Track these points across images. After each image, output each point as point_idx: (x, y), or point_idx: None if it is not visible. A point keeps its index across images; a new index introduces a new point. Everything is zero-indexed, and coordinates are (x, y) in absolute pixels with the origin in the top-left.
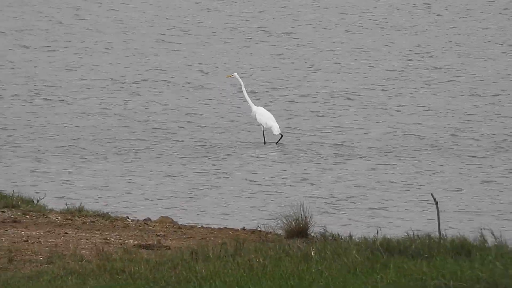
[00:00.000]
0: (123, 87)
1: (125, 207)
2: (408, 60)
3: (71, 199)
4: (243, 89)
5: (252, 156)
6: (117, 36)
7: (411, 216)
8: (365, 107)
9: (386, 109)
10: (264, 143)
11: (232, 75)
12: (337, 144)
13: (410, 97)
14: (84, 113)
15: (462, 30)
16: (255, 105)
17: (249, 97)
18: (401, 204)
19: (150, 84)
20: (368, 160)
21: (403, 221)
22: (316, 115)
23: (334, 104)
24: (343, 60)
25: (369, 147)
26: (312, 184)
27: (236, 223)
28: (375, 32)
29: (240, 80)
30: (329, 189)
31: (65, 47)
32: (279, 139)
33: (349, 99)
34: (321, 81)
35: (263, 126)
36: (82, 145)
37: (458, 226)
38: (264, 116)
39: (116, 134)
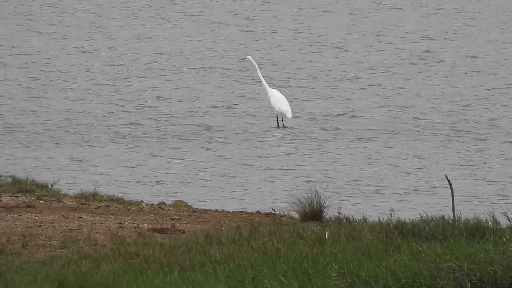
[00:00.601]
0: (126, 72)
1: (138, 192)
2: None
3: (82, 183)
4: (258, 72)
5: (264, 140)
6: (116, 21)
7: (425, 199)
8: (365, 89)
9: (385, 92)
10: (278, 126)
11: (246, 58)
12: (344, 128)
13: (408, 80)
14: (83, 98)
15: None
16: (270, 88)
17: (264, 80)
18: (414, 186)
19: (152, 68)
20: (378, 143)
21: (417, 203)
22: (316, 98)
23: (332, 87)
24: (336, 43)
25: (377, 130)
26: (325, 167)
27: (250, 207)
28: (371, 15)
29: (255, 63)
30: (342, 173)
31: (48, 32)
32: (282, 126)
33: (349, 81)
34: (316, 64)
35: (276, 110)
36: (86, 131)
37: (472, 208)
38: (278, 100)
39: (118, 120)
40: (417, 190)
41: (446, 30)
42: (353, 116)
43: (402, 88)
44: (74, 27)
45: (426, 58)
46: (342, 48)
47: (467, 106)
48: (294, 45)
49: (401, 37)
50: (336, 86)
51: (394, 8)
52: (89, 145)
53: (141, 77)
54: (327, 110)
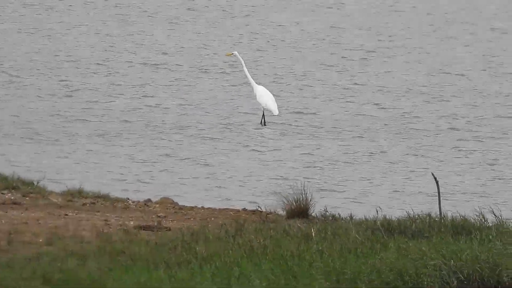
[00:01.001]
0: (95, 68)
1: (124, 189)
2: (377, 40)
3: (66, 180)
4: (244, 67)
5: (251, 137)
6: (82, 17)
7: (411, 196)
8: (334, 88)
9: (352, 89)
10: (264, 123)
11: (233, 53)
12: (319, 126)
13: (371, 76)
14: (54, 95)
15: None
16: (256, 84)
17: (250, 75)
18: (400, 184)
19: (120, 65)
20: (358, 140)
21: (404, 201)
22: (287, 95)
23: (299, 86)
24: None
25: (352, 128)
26: (311, 164)
27: (237, 204)
28: (340, 12)
29: (241, 58)
30: (327, 170)
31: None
32: (263, 123)
33: (320, 80)
34: (279, 62)
35: (262, 106)
36: (63, 128)
37: (459, 205)
38: (264, 96)
39: (99, 118)
40: (403, 187)
41: (401, 27)
42: (327, 114)
43: (364, 85)
44: (32, 23)
45: (389, 54)
46: (299, 46)
47: (427, 102)
48: (258, 43)
49: (357, 35)
50: (304, 84)
51: (355, 5)
52: (62, 143)
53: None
54: (301, 108)
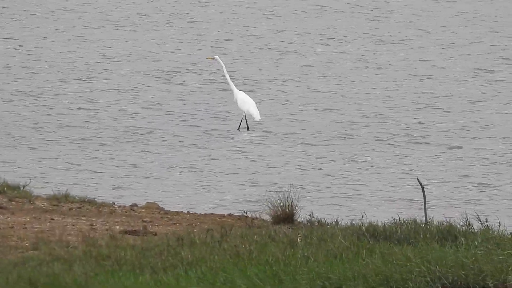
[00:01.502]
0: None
1: (110, 193)
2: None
3: (50, 183)
4: (225, 72)
5: (236, 142)
6: (54, 22)
7: (397, 202)
8: (311, 93)
9: (333, 96)
10: (247, 128)
11: (213, 58)
12: (306, 132)
13: (354, 83)
14: (23, 100)
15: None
16: (237, 89)
17: (231, 81)
18: (387, 189)
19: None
20: (339, 147)
21: (389, 206)
22: (265, 101)
23: (278, 91)
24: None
25: (344, 133)
26: (297, 170)
27: (222, 209)
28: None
29: (222, 63)
30: (314, 175)
31: None
32: (240, 128)
33: (296, 85)
34: (257, 68)
35: (244, 112)
36: (44, 130)
37: (445, 211)
38: (246, 102)
39: (74, 123)
40: (388, 193)
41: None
42: (304, 120)
43: (350, 91)
44: (11, 28)
45: (369, 61)
46: (283, 51)
47: (405, 108)
48: (238, 49)
49: (344, 40)
50: (282, 90)
51: (339, 11)
52: (45, 147)
53: (84, 79)
54: (280, 114)
